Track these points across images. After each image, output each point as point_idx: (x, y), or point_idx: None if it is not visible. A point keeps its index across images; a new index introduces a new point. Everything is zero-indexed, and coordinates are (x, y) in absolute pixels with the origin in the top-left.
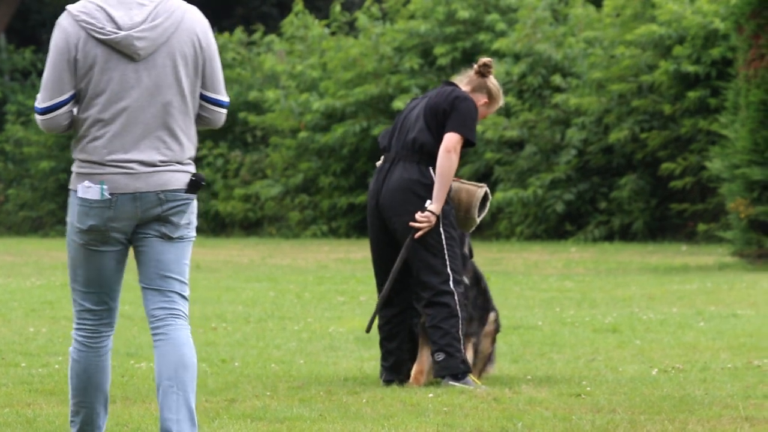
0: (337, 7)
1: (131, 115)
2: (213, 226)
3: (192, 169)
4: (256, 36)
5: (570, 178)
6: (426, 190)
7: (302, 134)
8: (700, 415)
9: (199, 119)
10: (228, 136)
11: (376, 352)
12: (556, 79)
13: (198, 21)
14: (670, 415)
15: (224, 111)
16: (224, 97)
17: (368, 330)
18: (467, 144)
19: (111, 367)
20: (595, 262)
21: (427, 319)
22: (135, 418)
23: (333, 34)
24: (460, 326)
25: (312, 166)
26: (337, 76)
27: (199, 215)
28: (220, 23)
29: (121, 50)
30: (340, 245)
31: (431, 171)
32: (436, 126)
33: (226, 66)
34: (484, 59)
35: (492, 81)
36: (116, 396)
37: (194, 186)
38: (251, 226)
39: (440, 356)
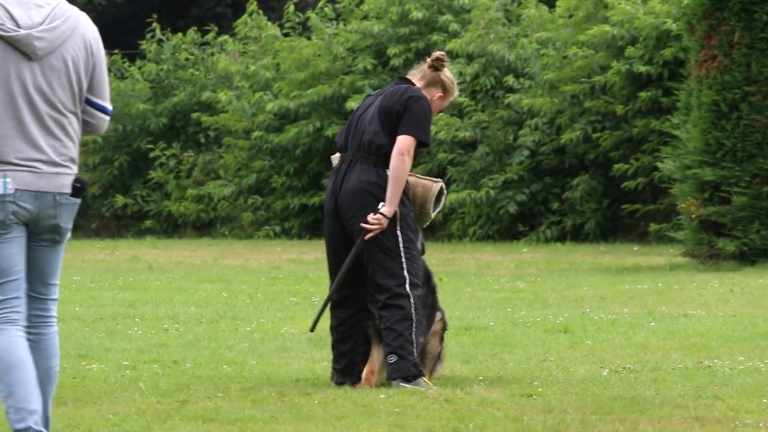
0: (291, 8)
1: (28, 114)
2: (165, 226)
3: (76, 170)
4: (210, 36)
5: (522, 178)
6: (383, 192)
7: (255, 134)
8: (650, 415)
9: (84, 125)
10: (181, 137)
11: (328, 353)
12: (509, 79)
13: (90, 28)
14: (620, 415)
15: (107, 119)
16: (109, 105)
17: (312, 329)
18: (421, 145)
19: (33, 360)
20: (547, 263)
21: (381, 321)
22: (86, 419)
23: (286, 35)
24: (414, 329)
25: (265, 166)
26: (291, 76)
27: (152, 216)
28: (174, 24)
29: (20, 48)
30: (293, 246)
31: (388, 173)
32: (390, 127)
33: (179, 67)
34: (437, 53)
35: (446, 74)
36: (67, 398)
37: (78, 191)
38: (204, 226)
39: (393, 358)
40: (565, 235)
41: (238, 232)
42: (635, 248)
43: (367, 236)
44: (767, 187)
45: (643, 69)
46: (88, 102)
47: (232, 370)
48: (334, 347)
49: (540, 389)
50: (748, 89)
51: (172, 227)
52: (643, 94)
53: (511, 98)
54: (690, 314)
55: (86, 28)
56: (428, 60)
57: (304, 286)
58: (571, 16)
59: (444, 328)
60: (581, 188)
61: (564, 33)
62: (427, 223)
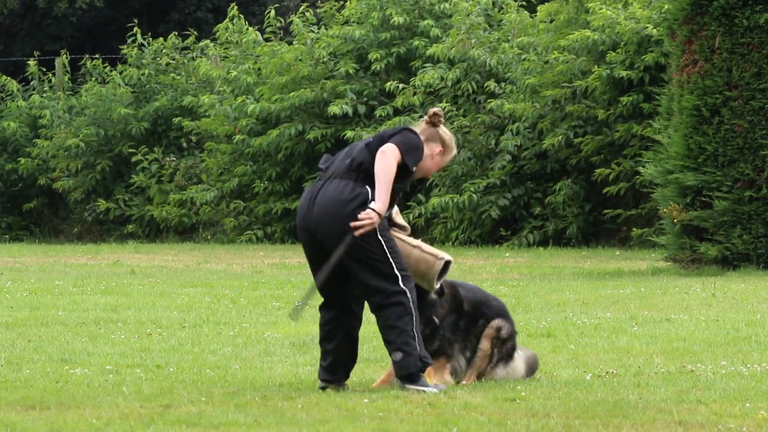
0: (272, 13)
1: None
2: (148, 231)
3: None
4: (190, 41)
5: (504, 183)
6: (356, 202)
7: (237, 138)
8: (634, 419)
9: None
10: (163, 141)
11: (311, 357)
12: (491, 84)
13: None
14: (604, 419)
15: None
16: None
17: (294, 317)
18: (404, 167)
19: None
20: (529, 267)
21: (379, 321)
22: (69, 424)
23: (267, 39)
24: (414, 323)
25: (247, 170)
26: (272, 81)
27: (135, 220)
28: (155, 29)
29: None
30: (276, 250)
31: (367, 188)
32: (379, 146)
33: (160, 71)
34: (434, 109)
35: (443, 130)
36: (50, 402)
37: None
38: (186, 231)
39: (398, 355)
40: (548, 240)
41: (220, 236)
42: (617, 253)
43: (358, 232)
44: (749, 191)
45: (624, 74)
46: None
47: (216, 374)
48: (320, 344)
49: (523, 393)
50: (729, 94)
51: (154, 232)
52: (624, 99)
53: (493, 103)
54: (672, 319)
55: None
56: (426, 117)
57: (286, 291)
58: (552, 21)
59: (497, 336)
60: (563, 193)
61: (545, 38)
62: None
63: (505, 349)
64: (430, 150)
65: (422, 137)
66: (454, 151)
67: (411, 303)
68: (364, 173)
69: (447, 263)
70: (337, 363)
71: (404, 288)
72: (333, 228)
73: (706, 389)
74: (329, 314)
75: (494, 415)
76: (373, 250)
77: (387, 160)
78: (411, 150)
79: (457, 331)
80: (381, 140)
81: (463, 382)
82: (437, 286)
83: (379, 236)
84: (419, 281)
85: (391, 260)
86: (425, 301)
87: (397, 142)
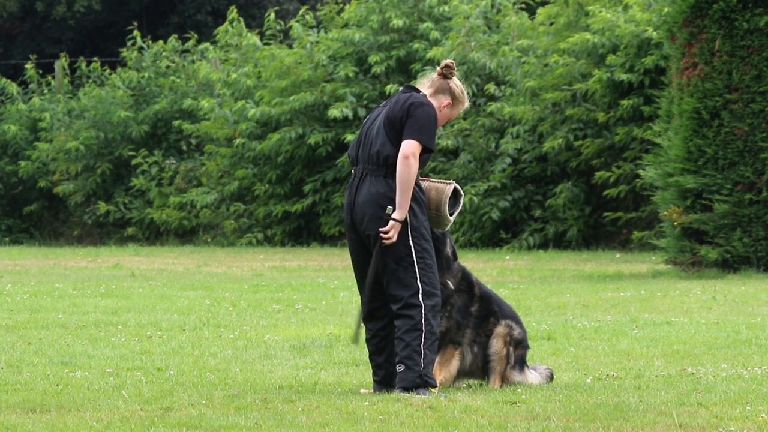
0: (272, 15)
1: None
2: (148, 234)
3: None
4: (190, 44)
5: (505, 186)
6: (394, 202)
7: (237, 142)
8: (634, 422)
9: None
10: (163, 144)
11: (311, 360)
12: (491, 87)
13: None
14: (604, 422)
15: None
16: None
17: (355, 341)
18: (426, 150)
19: None
20: (529, 270)
21: (395, 330)
22: (70, 427)
23: (267, 43)
24: (423, 340)
25: (247, 173)
26: (272, 84)
27: (135, 223)
28: (155, 32)
29: None
30: (276, 253)
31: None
32: (396, 136)
33: (160, 74)
34: (447, 61)
35: (455, 82)
36: (51, 405)
37: None
38: (186, 234)
39: (400, 368)
40: (548, 243)
41: (220, 239)
42: (617, 256)
43: (385, 242)
44: (749, 194)
45: (624, 77)
46: None
47: (216, 377)
48: (370, 359)
49: (524, 396)
50: (729, 97)
51: (154, 234)
52: (624, 102)
53: (493, 106)
54: (673, 321)
55: None
56: (438, 68)
57: (286, 294)
58: (551, 24)
59: (510, 333)
60: (563, 196)
61: (545, 41)
62: (449, 226)
63: (518, 352)
64: (438, 102)
65: (430, 90)
66: (465, 105)
67: (422, 319)
68: (392, 168)
69: (457, 191)
70: (391, 375)
71: (421, 302)
72: (373, 224)
73: (706, 392)
74: (376, 325)
75: (495, 418)
76: (401, 255)
77: (410, 165)
78: (428, 133)
79: (468, 317)
80: (392, 125)
81: (490, 387)
82: (452, 217)
83: (411, 242)
84: (434, 218)
85: (416, 269)
86: (441, 256)
87: (414, 136)
